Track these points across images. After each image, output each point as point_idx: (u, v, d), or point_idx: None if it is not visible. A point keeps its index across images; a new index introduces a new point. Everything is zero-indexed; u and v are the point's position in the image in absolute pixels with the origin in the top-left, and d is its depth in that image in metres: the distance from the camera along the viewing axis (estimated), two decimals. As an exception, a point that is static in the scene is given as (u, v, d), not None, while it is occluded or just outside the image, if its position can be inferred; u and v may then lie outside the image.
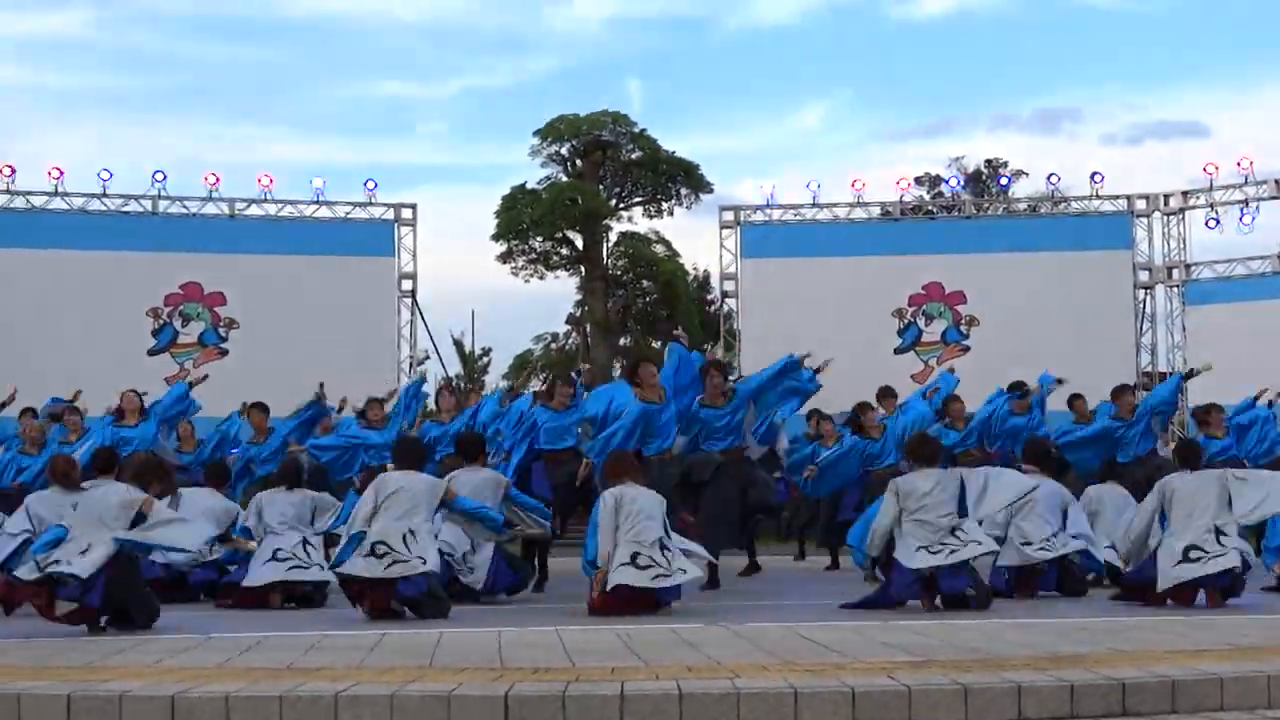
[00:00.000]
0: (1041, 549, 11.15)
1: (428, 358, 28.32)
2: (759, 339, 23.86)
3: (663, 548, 9.92)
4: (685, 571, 9.97)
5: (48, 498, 9.50)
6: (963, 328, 24.79)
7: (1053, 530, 11.33)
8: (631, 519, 9.93)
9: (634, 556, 9.77)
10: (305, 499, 11.65)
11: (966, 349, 24.43)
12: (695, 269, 39.48)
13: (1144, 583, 10.03)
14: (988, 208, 29.24)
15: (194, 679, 6.23)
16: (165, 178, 24.28)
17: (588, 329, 36.11)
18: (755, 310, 24.98)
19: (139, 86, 60.91)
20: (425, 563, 9.62)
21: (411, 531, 9.67)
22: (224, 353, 23.85)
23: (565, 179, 35.72)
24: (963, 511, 10.06)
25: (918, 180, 36.70)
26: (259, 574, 11.03)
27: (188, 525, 9.60)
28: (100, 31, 58.63)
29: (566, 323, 38.65)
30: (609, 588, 9.69)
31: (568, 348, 38.51)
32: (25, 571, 8.77)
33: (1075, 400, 15.75)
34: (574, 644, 7.43)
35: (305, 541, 11.27)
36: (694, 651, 7.08)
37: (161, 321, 23.82)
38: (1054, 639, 7.54)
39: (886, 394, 15.75)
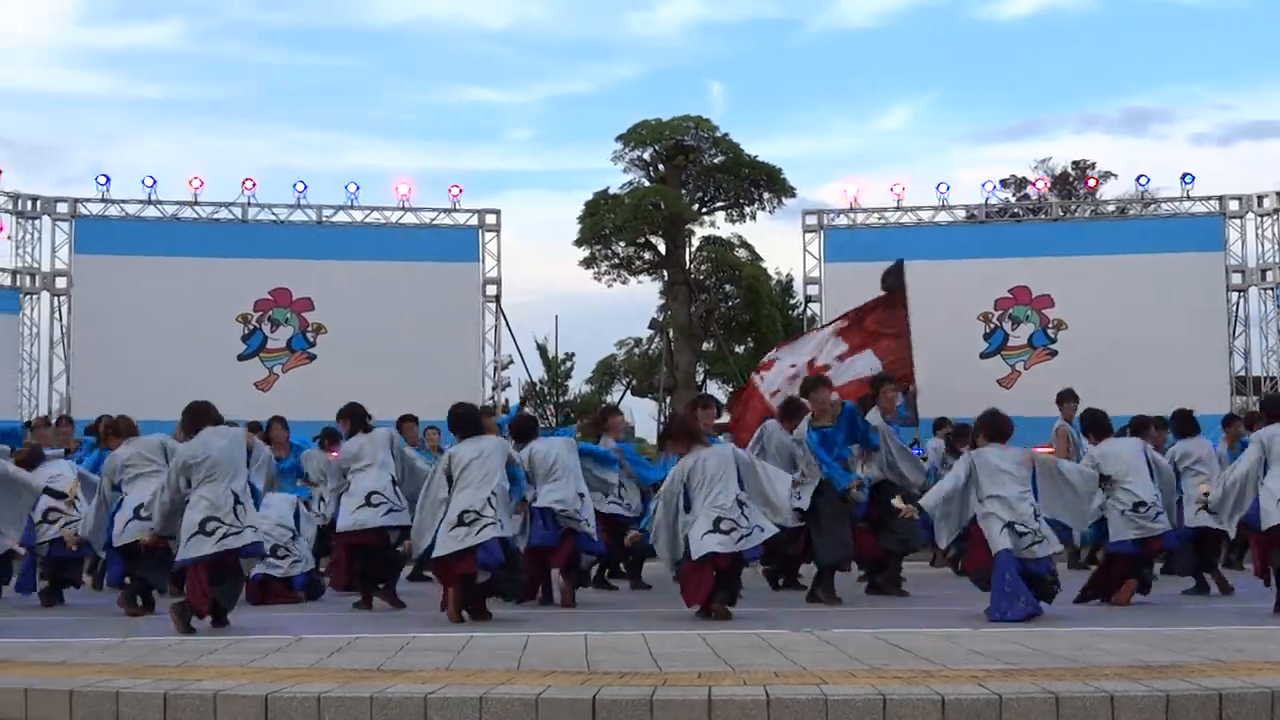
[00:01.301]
0: (1160, 513, 11.09)
1: (511, 362, 28.52)
2: (843, 343, 23.74)
3: (740, 505, 9.93)
4: (763, 530, 10.02)
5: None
6: (1050, 332, 24.48)
7: (1156, 484, 11.24)
8: (706, 486, 9.93)
9: (716, 522, 9.81)
10: (382, 434, 11.71)
11: (1054, 353, 24.14)
12: (778, 273, 39.39)
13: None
14: (1075, 210, 28.80)
15: (286, 679, 6.32)
16: (255, 185, 24.65)
17: (671, 333, 36.07)
18: (839, 314, 24.82)
19: (229, 95, 62.03)
20: (502, 527, 9.82)
21: (494, 494, 9.84)
22: (311, 358, 24.14)
23: (648, 184, 35.73)
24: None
25: (1003, 182, 36.38)
26: (355, 518, 11.20)
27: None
28: (192, 42, 59.72)
29: (649, 327, 38.64)
30: (695, 557, 9.73)
31: (650, 352, 38.53)
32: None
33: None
34: (660, 649, 7.44)
35: (394, 480, 11.38)
36: (781, 657, 7.06)
37: (251, 327, 24.16)
38: (1147, 648, 7.41)
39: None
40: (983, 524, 9.94)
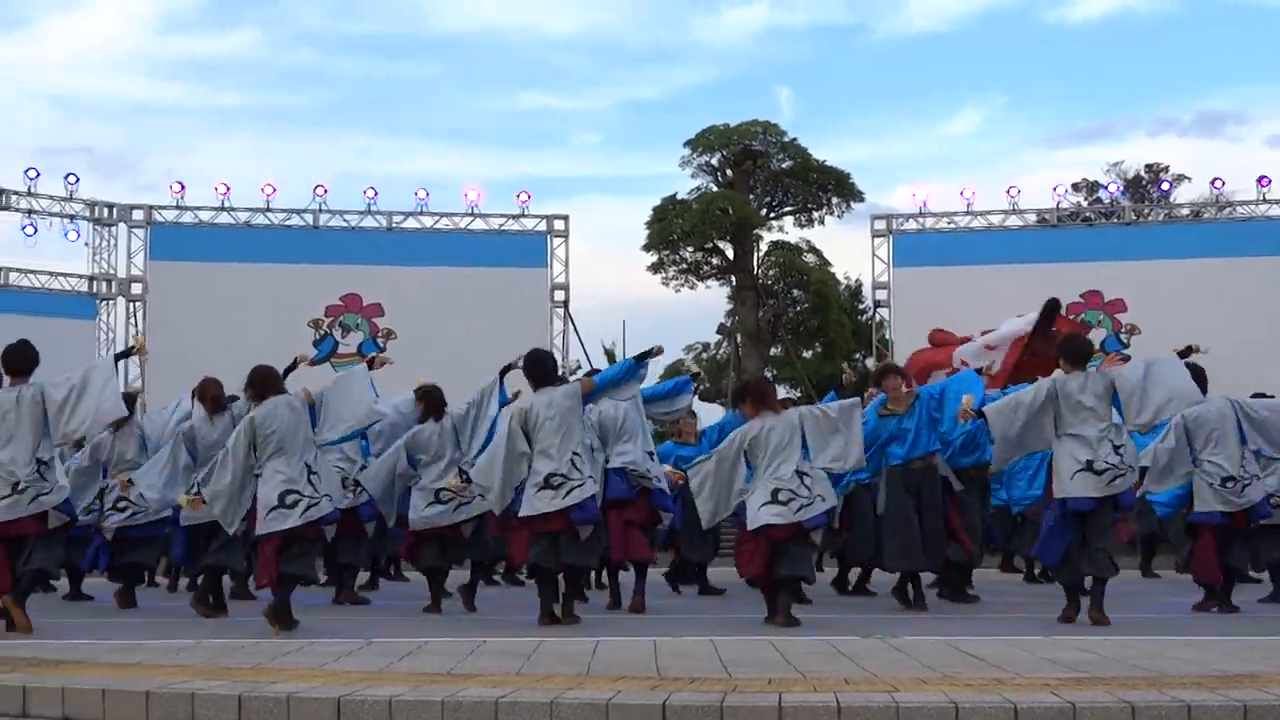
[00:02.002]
0: (1247, 485, 11.01)
1: (579, 367, 28.61)
2: (912, 349, 23.57)
3: (800, 475, 9.77)
4: (824, 499, 9.91)
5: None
6: (1123, 336, 24.21)
7: (1243, 451, 11.12)
8: (768, 457, 9.81)
9: (775, 494, 9.70)
10: (448, 423, 11.61)
11: (1127, 358, 23.81)
12: (847, 278, 39.24)
13: None
14: (1148, 214, 28.46)
15: (358, 682, 6.37)
16: (326, 191, 24.93)
17: (739, 338, 36.04)
18: (908, 319, 24.69)
19: (301, 103, 62.68)
20: (594, 483, 9.96)
21: (577, 453, 9.83)
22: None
23: (716, 189, 35.73)
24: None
25: (1075, 186, 35.99)
26: (425, 516, 11.35)
27: None
28: (266, 51, 60.43)
29: (717, 332, 38.68)
30: (751, 528, 9.72)
31: (719, 357, 38.51)
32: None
33: None
34: (729, 655, 7.42)
35: (462, 473, 11.34)
36: (851, 664, 7.02)
37: (322, 332, 24.43)
38: (1224, 657, 7.30)
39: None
40: (1055, 461, 9.81)
